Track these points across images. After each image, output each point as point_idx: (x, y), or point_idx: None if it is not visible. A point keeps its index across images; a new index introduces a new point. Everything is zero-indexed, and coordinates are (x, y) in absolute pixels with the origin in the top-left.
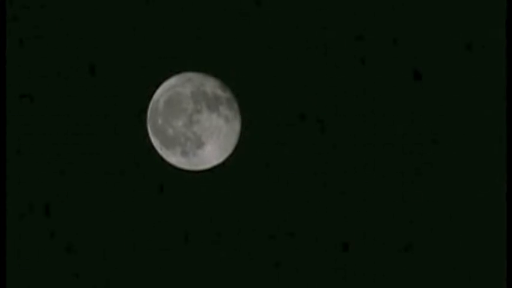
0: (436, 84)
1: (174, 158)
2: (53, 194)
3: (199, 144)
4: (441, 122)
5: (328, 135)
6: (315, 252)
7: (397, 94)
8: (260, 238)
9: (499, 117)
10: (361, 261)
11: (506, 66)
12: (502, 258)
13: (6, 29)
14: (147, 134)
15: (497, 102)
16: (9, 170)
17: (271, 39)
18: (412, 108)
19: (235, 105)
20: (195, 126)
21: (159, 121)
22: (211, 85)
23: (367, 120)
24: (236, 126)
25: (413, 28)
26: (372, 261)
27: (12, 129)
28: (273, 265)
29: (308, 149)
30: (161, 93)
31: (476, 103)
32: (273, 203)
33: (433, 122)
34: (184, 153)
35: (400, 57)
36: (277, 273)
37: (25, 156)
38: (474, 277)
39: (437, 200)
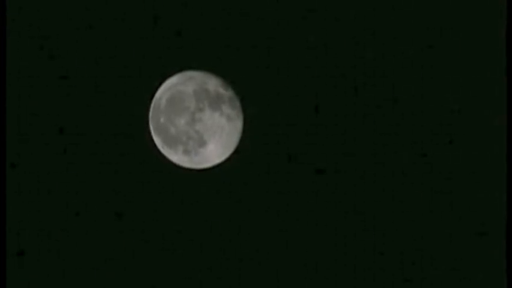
0: (436, 84)
1: (176, 157)
2: (53, 193)
3: (202, 142)
4: (441, 122)
5: (329, 134)
6: (315, 250)
7: (397, 94)
8: (261, 237)
9: (499, 117)
10: (361, 260)
11: (506, 66)
12: (502, 258)
13: (6, 29)
14: (149, 133)
15: (497, 102)
16: (9, 169)
17: (273, 38)
18: (412, 108)
19: (238, 104)
20: (197, 125)
21: (161, 119)
22: (213, 83)
23: (368, 118)
24: (238, 124)
25: (413, 28)
26: (371, 259)
27: (13, 129)
28: (274, 263)
29: (309, 148)
30: (163, 92)
31: (476, 103)
32: (274, 201)
33: (433, 122)
34: (187, 152)
35: (400, 57)
36: (278, 272)
37: (25, 155)
38: (474, 277)
39: (437, 200)
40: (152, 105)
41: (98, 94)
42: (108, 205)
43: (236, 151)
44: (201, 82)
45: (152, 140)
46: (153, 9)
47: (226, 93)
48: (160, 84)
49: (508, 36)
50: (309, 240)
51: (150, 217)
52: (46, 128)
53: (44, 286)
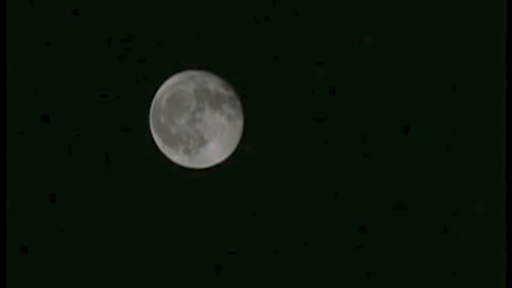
0: (436, 84)
1: (176, 156)
2: (53, 193)
3: (202, 142)
4: (441, 123)
5: (330, 133)
6: (316, 251)
7: (397, 94)
8: (261, 237)
9: (499, 117)
10: (361, 260)
11: (506, 66)
12: (502, 258)
13: (6, 29)
14: (149, 133)
15: (497, 102)
16: (10, 167)
17: (274, 37)
18: (411, 109)
19: (238, 104)
20: (197, 125)
21: (162, 119)
22: (214, 83)
23: (368, 118)
24: (239, 124)
25: (413, 28)
26: (371, 259)
27: (13, 129)
28: (274, 263)
29: (310, 147)
30: (164, 91)
31: (476, 103)
32: (275, 201)
33: (432, 122)
34: (187, 152)
35: (400, 57)
36: (278, 270)
37: (26, 154)
38: (474, 277)
39: (437, 200)
40: (152, 105)
41: (99, 93)
42: (108, 205)
43: (236, 151)
44: (202, 82)
45: (152, 140)
46: (153, 9)
47: (227, 92)
48: (160, 84)
49: (508, 37)
50: (309, 240)
51: (150, 217)
52: (46, 128)
53: (44, 285)
